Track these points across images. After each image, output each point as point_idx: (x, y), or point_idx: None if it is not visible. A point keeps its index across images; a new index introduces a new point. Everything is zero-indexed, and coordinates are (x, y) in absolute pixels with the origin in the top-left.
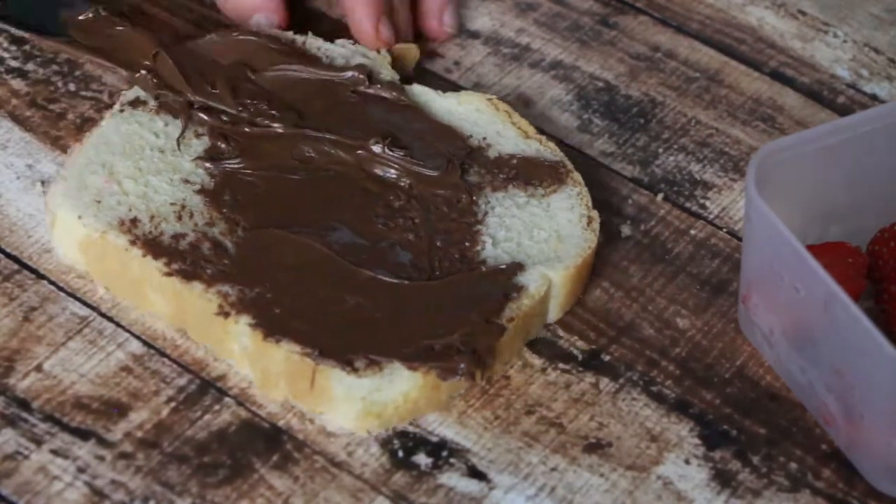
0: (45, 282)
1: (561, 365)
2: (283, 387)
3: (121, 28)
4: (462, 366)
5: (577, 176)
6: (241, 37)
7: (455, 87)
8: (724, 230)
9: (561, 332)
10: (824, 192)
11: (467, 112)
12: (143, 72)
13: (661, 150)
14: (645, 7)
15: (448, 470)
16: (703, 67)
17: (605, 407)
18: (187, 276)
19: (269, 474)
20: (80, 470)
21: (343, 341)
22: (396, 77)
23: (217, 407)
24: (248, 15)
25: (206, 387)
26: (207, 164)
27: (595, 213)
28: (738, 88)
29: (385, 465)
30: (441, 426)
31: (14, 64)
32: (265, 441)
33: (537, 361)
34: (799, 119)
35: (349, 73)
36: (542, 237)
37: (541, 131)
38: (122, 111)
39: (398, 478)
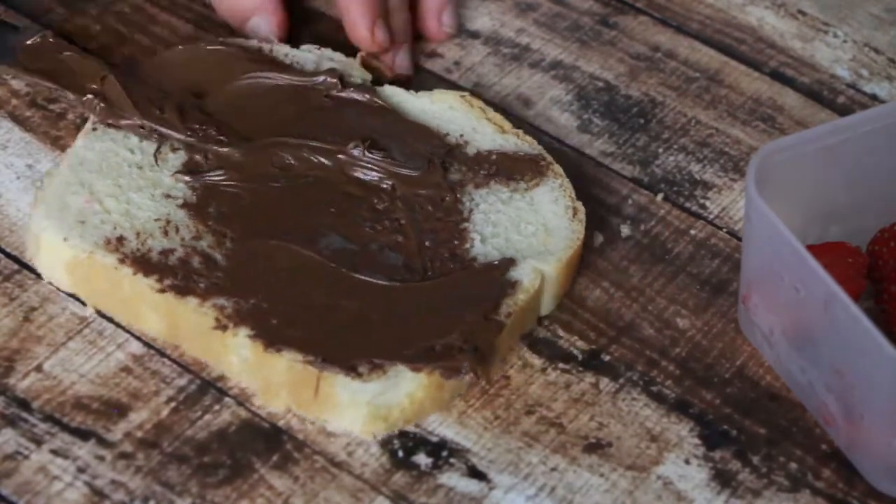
0: (45, 282)
1: (561, 365)
2: (286, 396)
3: (69, 53)
4: (465, 364)
5: (557, 168)
6: (209, 46)
7: (455, 87)
8: (724, 230)
9: (561, 332)
10: (824, 192)
11: (441, 110)
12: (90, 96)
13: (661, 150)
14: (645, 7)
15: (448, 470)
16: (703, 67)
17: (605, 407)
18: (181, 291)
19: (269, 474)
20: (80, 470)
21: (344, 347)
22: (368, 79)
23: (217, 407)
24: (246, 17)
25: (206, 387)
26: (187, 178)
27: (580, 204)
28: (738, 88)
29: (385, 465)
30: (441, 426)
31: None
32: (265, 441)
33: (537, 361)
34: (799, 119)
35: (321, 78)
36: (529, 231)
37: (540, 130)
38: (94, 129)
39: (398, 478)
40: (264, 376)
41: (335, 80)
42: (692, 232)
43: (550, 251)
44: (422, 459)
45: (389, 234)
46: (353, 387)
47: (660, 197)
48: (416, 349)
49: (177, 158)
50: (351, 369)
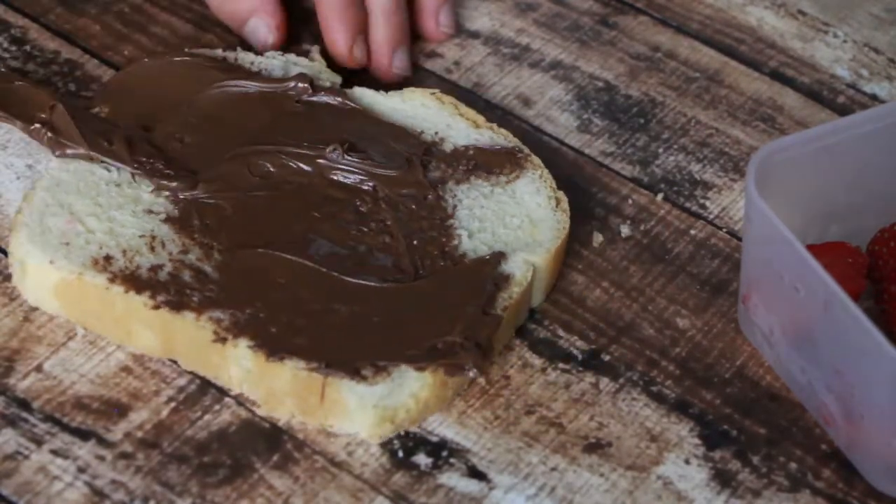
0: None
1: (561, 365)
2: (290, 404)
3: (20, 83)
4: (469, 361)
5: (535, 159)
6: (175, 58)
7: (455, 87)
8: (724, 230)
9: (561, 332)
10: (824, 192)
11: (413, 108)
12: (38, 125)
13: (661, 150)
14: (645, 7)
15: (448, 470)
16: (703, 67)
17: (605, 407)
18: (175, 306)
19: (269, 474)
20: (81, 470)
21: (347, 351)
22: (337, 82)
23: (217, 407)
24: (245, 19)
25: (206, 387)
26: (167, 192)
27: (561, 194)
28: (738, 88)
29: (385, 465)
30: (441, 426)
31: (14, 64)
32: (265, 441)
33: (537, 361)
34: (799, 119)
35: (292, 84)
36: (515, 224)
37: (540, 130)
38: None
39: (398, 478)
40: (267, 385)
41: (306, 85)
42: (692, 232)
43: (538, 242)
44: (422, 459)
45: (376, 236)
46: (359, 391)
47: (660, 197)
48: (418, 348)
49: None
50: (355, 373)
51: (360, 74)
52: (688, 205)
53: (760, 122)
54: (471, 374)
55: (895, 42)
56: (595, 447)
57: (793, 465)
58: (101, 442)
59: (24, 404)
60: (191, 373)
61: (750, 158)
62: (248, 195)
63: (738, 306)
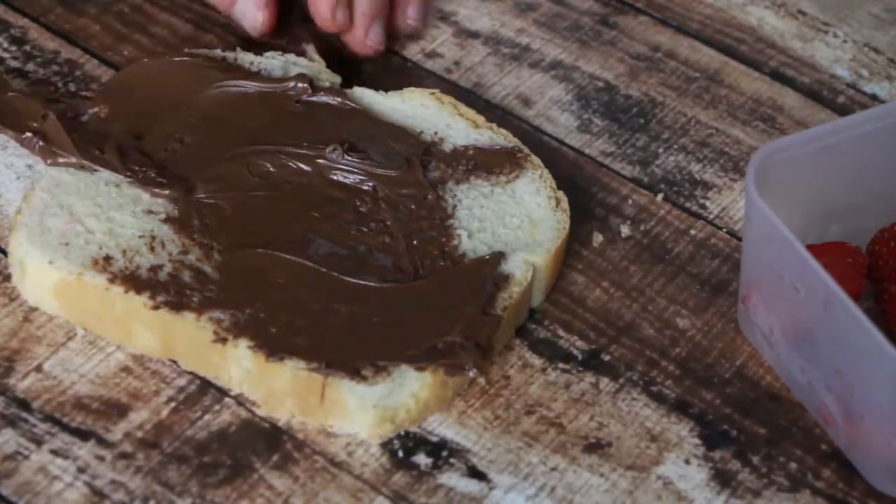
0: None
1: (561, 365)
2: (290, 404)
3: (13, 94)
4: (469, 362)
5: (535, 159)
6: (175, 59)
7: (455, 87)
8: (724, 230)
9: (561, 332)
10: (824, 192)
11: (413, 108)
12: (29, 134)
13: (661, 150)
14: (645, 7)
15: (448, 470)
16: (703, 67)
17: (605, 407)
18: (175, 306)
19: (269, 474)
20: (80, 470)
21: (347, 351)
22: (337, 82)
23: (217, 407)
24: (231, 3)
25: (206, 387)
26: (166, 192)
27: (561, 194)
28: (738, 88)
29: (385, 465)
30: (441, 426)
31: (14, 64)
32: (265, 441)
33: (537, 361)
34: (799, 119)
35: (291, 83)
36: (515, 224)
37: (540, 130)
38: None
39: (398, 478)
40: (267, 386)
41: (305, 85)
42: (692, 232)
43: (538, 242)
44: (422, 459)
45: (376, 236)
46: (359, 391)
47: (660, 197)
48: (418, 348)
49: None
50: (355, 373)
51: (359, 75)
52: (688, 205)
53: (760, 122)
54: (471, 374)
55: (895, 42)
56: (595, 447)
57: (793, 465)
58: (101, 442)
59: (24, 404)
60: (191, 373)
61: (750, 158)
62: (247, 195)
63: (738, 306)
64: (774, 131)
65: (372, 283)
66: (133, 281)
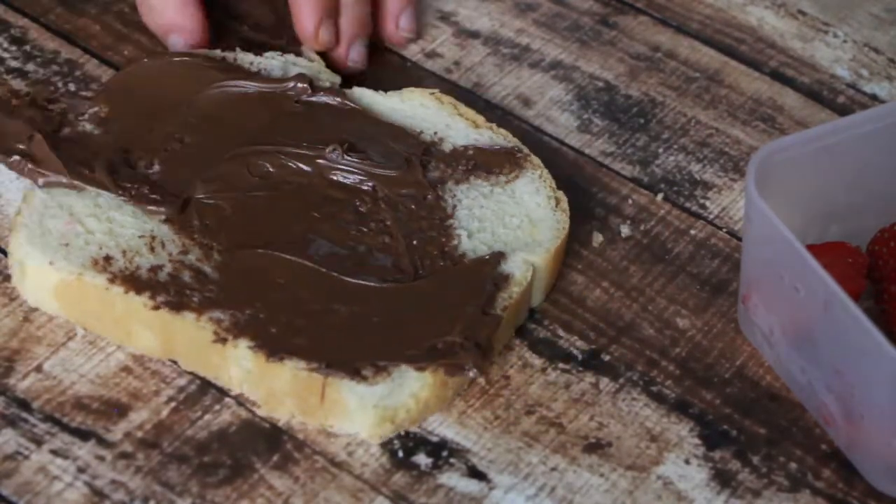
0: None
1: (561, 365)
2: (290, 404)
3: None
4: (470, 362)
5: (535, 159)
6: (175, 59)
7: (455, 87)
8: (724, 230)
9: (561, 332)
10: (824, 192)
11: (412, 109)
12: (17, 157)
13: (661, 150)
14: (645, 7)
15: (448, 470)
16: (703, 67)
17: (605, 407)
18: (175, 307)
19: (269, 474)
20: (80, 470)
21: (347, 351)
22: (337, 82)
23: (217, 407)
24: (165, 34)
25: (206, 387)
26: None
27: (561, 194)
28: (738, 88)
29: (385, 465)
30: (441, 426)
31: (14, 64)
32: (265, 441)
33: (537, 361)
34: (799, 119)
35: (291, 84)
36: (514, 224)
37: (540, 130)
38: None
39: (398, 478)
40: (267, 386)
41: (305, 85)
42: (692, 232)
43: (538, 242)
44: (422, 459)
45: (376, 236)
46: (359, 391)
47: (660, 197)
48: (418, 348)
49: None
50: (355, 373)
51: (359, 75)
52: (688, 205)
53: (760, 122)
54: (471, 374)
55: (895, 42)
56: (595, 447)
57: (793, 465)
58: (101, 442)
59: (24, 404)
60: (191, 373)
61: (750, 158)
62: (247, 195)
63: (738, 306)
64: (774, 131)
65: (372, 283)
66: (133, 281)
